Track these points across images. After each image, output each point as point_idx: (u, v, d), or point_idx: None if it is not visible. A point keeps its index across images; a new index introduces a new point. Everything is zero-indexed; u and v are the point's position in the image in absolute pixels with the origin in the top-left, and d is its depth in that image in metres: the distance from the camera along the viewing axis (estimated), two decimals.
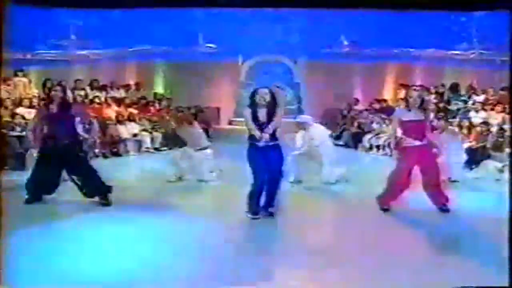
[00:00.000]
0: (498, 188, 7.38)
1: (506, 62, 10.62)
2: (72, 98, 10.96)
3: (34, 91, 12.13)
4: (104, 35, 13.77)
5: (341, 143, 12.63)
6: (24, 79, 12.15)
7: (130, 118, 12.18)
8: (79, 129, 6.93)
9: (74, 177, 6.50)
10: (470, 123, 10.81)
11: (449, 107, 12.41)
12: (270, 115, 5.74)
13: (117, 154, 11.25)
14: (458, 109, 12.20)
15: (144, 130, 12.12)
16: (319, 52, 14.58)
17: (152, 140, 12.08)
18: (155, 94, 14.41)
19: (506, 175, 7.72)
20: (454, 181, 7.87)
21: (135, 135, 11.83)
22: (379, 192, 6.34)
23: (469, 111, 11.79)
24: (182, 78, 14.25)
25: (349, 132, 13.24)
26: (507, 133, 9.34)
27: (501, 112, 11.10)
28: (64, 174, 6.64)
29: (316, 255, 4.69)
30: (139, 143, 11.87)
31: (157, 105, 13.57)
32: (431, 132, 6.67)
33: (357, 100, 14.55)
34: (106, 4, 12.95)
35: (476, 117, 11.23)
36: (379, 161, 10.89)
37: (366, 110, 13.62)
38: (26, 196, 6.35)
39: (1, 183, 5.79)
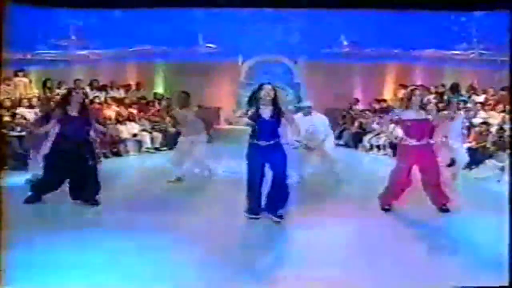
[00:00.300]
0: (498, 188, 7.38)
1: (506, 62, 10.57)
2: None
3: (34, 91, 12.14)
4: (104, 35, 13.78)
5: (341, 143, 12.64)
6: (24, 79, 12.18)
7: (130, 118, 12.20)
8: (93, 133, 6.82)
9: (74, 179, 6.45)
10: (470, 123, 10.80)
11: (449, 107, 12.37)
12: (274, 114, 5.62)
13: (117, 154, 11.26)
14: (458, 109, 12.16)
15: (144, 130, 12.14)
16: (319, 52, 14.58)
17: (152, 140, 12.09)
18: (155, 94, 14.41)
19: (506, 175, 7.71)
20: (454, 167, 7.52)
21: (135, 135, 11.85)
22: (379, 192, 6.33)
23: (469, 111, 11.78)
24: (182, 78, 14.21)
25: (349, 132, 13.26)
26: (507, 133, 9.34)
27: (501, 112, 11.10)
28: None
29: (316, 255, 4.68)
30: (139, 143, 11.89)
31: (157, 105, 13.57)
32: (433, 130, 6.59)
33: (357, 100, 14.58)
34: (106, 4, 12.97)
35: (476, 117, 11.23)
36: (379, 161, 10.88)
37: (368, 110, 13.62)
38: (27, 196, 6.33)
39: (1, 183, 5.79)
